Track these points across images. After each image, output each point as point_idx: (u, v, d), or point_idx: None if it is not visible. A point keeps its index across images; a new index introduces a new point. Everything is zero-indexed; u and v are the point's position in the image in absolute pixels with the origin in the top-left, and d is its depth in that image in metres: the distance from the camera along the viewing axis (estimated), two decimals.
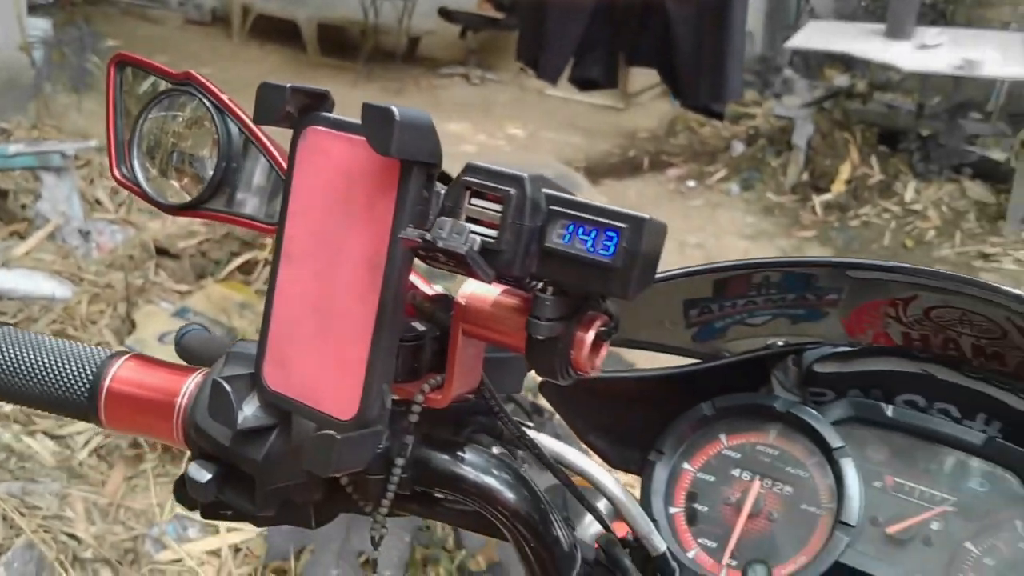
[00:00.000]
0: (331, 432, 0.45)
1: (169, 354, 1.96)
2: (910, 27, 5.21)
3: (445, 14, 6.75)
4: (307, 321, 0.48)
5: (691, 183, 5.16)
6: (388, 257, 0.45)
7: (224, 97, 0.60)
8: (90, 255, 3.13)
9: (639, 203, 4.87)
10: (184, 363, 0.62)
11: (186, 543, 2.05)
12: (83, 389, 0.57)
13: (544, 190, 0.44)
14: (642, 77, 6.01)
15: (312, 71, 6.59)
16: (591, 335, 0.46)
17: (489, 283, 0.45)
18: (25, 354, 0.58)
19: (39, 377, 0.57)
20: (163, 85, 0.63)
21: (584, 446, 0.73)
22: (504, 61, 7.07)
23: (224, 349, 0.67)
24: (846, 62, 6.35)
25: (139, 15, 7.32)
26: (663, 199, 4.97)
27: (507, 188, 0.43)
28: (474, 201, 0.44)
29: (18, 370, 0.57)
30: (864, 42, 5.09)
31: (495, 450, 0.56)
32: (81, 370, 0.57)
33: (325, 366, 0.48)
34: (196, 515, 1.91)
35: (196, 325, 0.73)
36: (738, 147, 5.44)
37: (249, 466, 0.51)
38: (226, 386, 0.49)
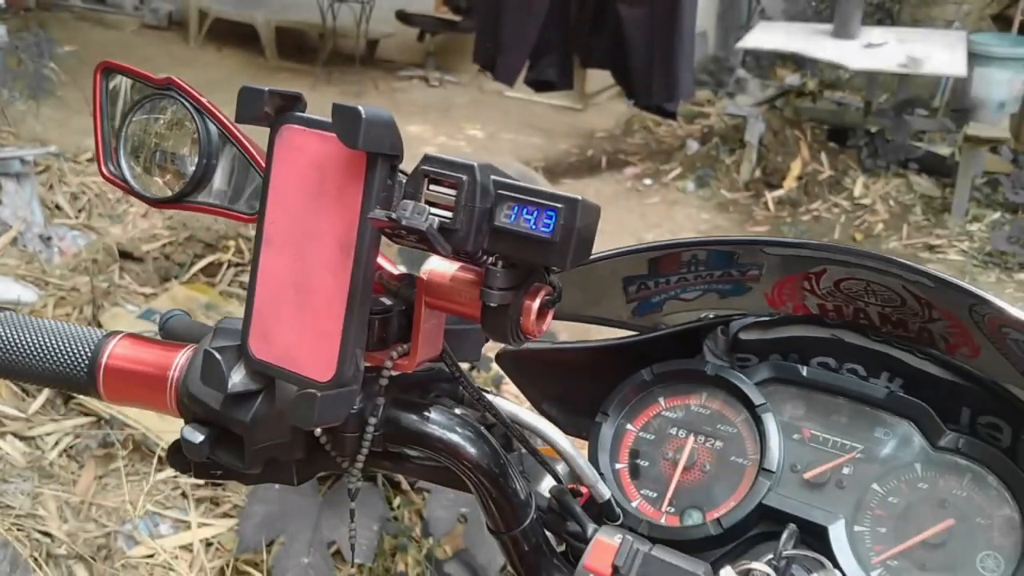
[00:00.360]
0: (313, 390, 0.52)
1: None
2: (856, 27, 5.37)
3: (403, 17, 6.80)
4: (287, 297, 0.55)
5: (648, 181, 5.26)
6: (358, 238, 0.52)
7: (204, 100, 0.66)
8: (52, 260, 3.14)
9: (598, 201, 4.93)
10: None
11: (158, 539, 2.09)
12: (83, 366, 0.62)
13: (492, 176, 0.51)
14: (599, 78, 6.11)
15: (270, 75, 6.61)
16: (537, 303, 0.53)
17: (447, 257, 0.51)
18: (28, 336, 0.64)
19: (42, 356, 0.63)
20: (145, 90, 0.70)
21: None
22: (462, 63, 7.13)
23: (204, 330, 0.73)
24: (797, 62, 6.51)
25: (95, 20, 7.29)
26: (621, 197, 5.07)
27: (460, 175, 0.50)
28: (432, 187, 0.51)
29: (22, 351, 0.63)
30: (813, 42, 5.23)
31: (457, 411, 0.63)
32: (80, 349, 0.63)
33: (304, 336, 0.54)
34: (168, 512, 1.95)
35: (178, 311, 0.79)
36: (693, 145, 5.56)
37: (238, 427, 0.57)
38: (217, 355, 0.55)
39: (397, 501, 2.10)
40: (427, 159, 0.51)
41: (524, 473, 0.65)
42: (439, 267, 0.57)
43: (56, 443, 2.24)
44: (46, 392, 2.36)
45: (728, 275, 0.70)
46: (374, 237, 0.52)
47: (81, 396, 0.68)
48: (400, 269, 0.64)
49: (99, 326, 2.59)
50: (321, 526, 1.96)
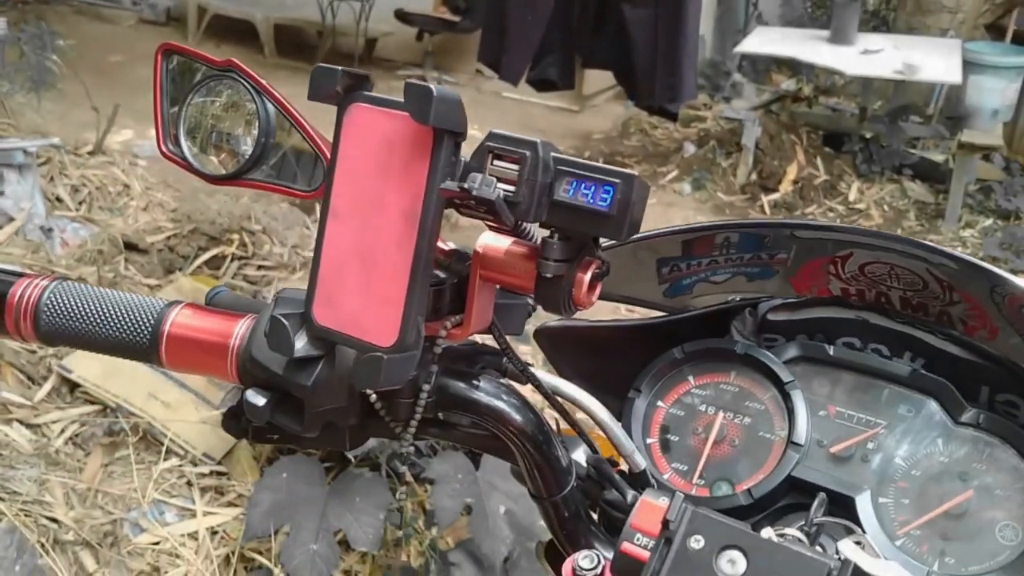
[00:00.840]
0: (379, 354, 0.54)
1: None
2: (853, 33, 5.42)
3: (402, 16, 6.82)
4: (351, 267, 0.58)
5: None
6: (423, 210, 0.55)
7: (263, 82, 0.69)
8: (54, 251, 3.16)
9: None
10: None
11: (164, 526, 2.11)
12: (145, 334, 0.65)
13: (552, 153, 0.54)
14: (597, 80, 6.15)
15: (269, 72, 6.62)
16: (589, 275, 0.56)
17: (511, 227, 0.54)
18: (91, 305, 0.66)
19: (106, 325, 0.66)
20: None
21: None
22: (461, 63, 7.16)
23: (253, 303, 0.76)
24: (792, 67, 6.56)
25: (93, 14, 7.29)
26: None
27: (523, 151, 0.53)
28: (496, 162, 0.54)
29: (87, 319, 0.66)
30: (810, 48, 5.29)
31: (503, 381, 0.66)
32: (143, 318, 0.66)
33: (368, 303, 0.57)
34: (173, 500, 1.97)
35: (223, 287, 0.82)
36: (690, 148, 5.60)
37: (299, 391, 0.60)
38: (284, 320, 0.58)
39: (401, 491, 2.13)
40: (492, 136, 0.54)
41: (563, 442, 0.68)
42: (493, 241, 0.60)
43: (62, 431, 2.26)
44: (52, 380, 2.38)
45: (757, 258, 0.74)
46: (438, 209, 0.55)
47: (144, 363, 0.70)
48: (450, 245, 0.67)
49: None
50: (328, 514, 1.98)
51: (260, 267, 3.06)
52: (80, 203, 3.70)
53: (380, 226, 0.57)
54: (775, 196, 5.06)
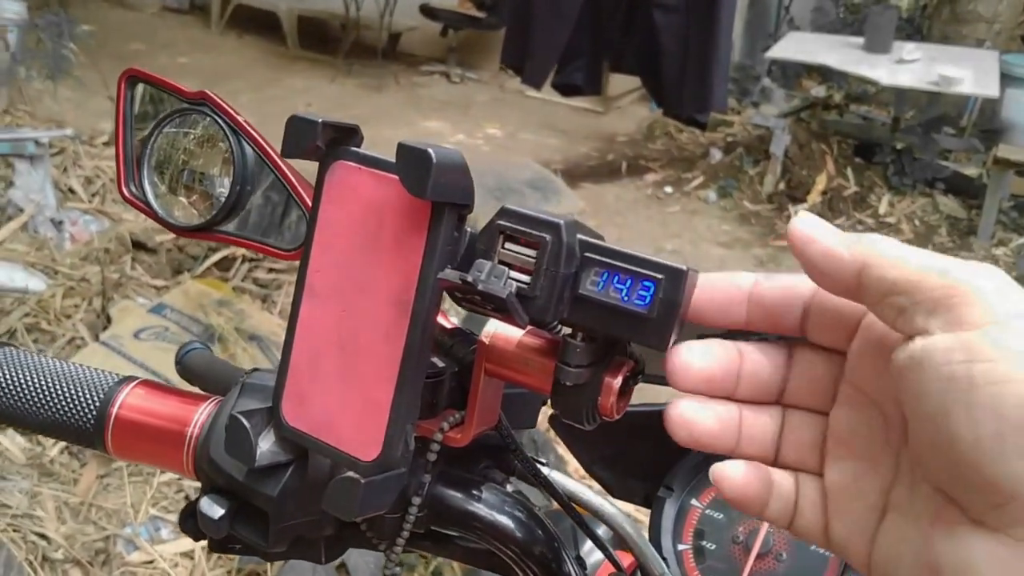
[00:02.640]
0: (355, 476, 0.44)
1: (145, 351, 1.94)
2: (888, 41, 5.27)
3: (427, 11, 6.73)
4: (329, 357, 0.47)
5: (668, 189, 5.18)
6: (417, 296, 0.45)
7: (240, 118, 0.59)
8: (63, 246, 3.08)
9: (617, 207, 4.89)
10: (192, 390, 0.61)
11: (159, 544, 2.02)
12: (90, 415, 0.55)
13: (579, 236, 0.43)
14: (622, 81, 6.03)
15: (291, 64, 6.55)
16: (619, 381, 0.46)
17: (524, 328, 0.44)
18: (30, 377, 0.57)
19: (44, 402, 0.56)
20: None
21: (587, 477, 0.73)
22: (484, 60, 7.06)
23: (227, 372, 0.66)
24: (823, 73, 6.41)
25: (115, 1, 7.23)
26: (640, 204, 4.99)
27: (543, 234, 0.42)
28: (508, 246, 0.43)
29: (22, 393, 0.56)
30: (843, 55, 5.14)
31: (509, 487, 0.56)
32: (88, 395, 0.56)
33: (347, 404, 0.47)
34: (170, 516, 1.87)
35: (198, 344, 0.72)
36: (716, 154, 5.48)
37: (263, 502, 0.50)
38: (244, 422, 0.48)
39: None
40: (504, 212, 0.43)
41: (581, 560, 0.58)
42: (503, 330, 0.49)
43: (57, 440, 2.18)
44: None
45: None
46: (435, 297, 0.45)
47: (89, 449, 0.61)
48: (453, 322, 0.57)
49: (108, 320, 2.53)
50: None
51: (271, 270, 2.97)
52: (93, 195, 3.62)
53: (365, 311, 0.46)
54: (803, 207, 4.93)
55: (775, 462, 0.43)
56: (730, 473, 0.42)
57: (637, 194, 5.14)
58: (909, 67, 5.00)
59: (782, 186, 5.06)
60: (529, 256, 0.43)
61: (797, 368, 0.43)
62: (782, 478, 0.42)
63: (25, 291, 2.52)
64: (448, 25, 6.88)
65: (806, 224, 0.39)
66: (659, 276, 0.41)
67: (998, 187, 4.77)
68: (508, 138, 5.84)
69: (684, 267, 0.41)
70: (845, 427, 0.40)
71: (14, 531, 1.89)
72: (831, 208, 4.94)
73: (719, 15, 3.71)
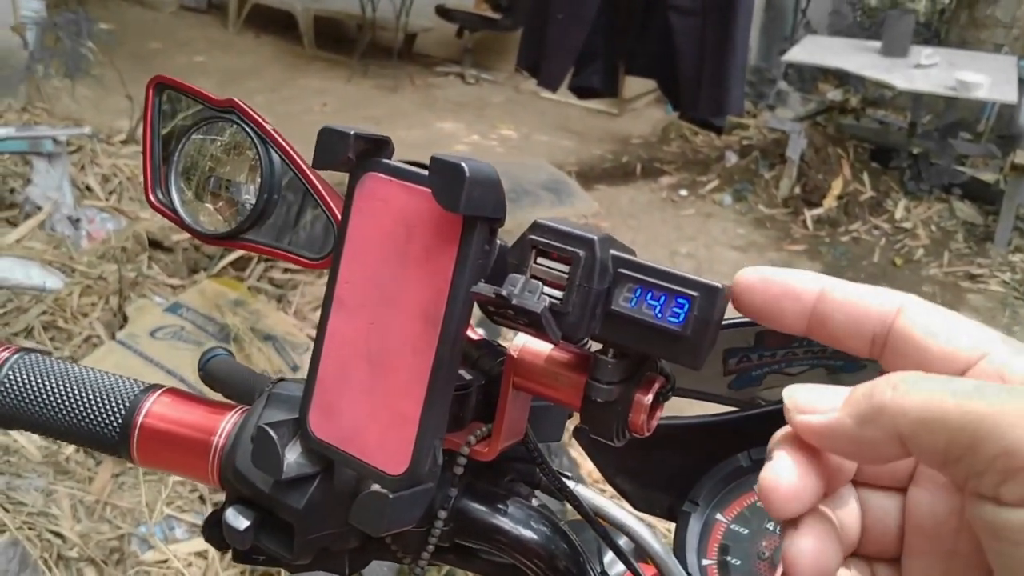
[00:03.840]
0: (384, 491, 0.44)
1: (161, 351, 1.94)
2: (906, 46, 5.24)
3: (443, 12, 6.73)
4: (357, 370, 0.47)
5: (683, 192, 5.17)
6: (447, 310, 0.44)
7: (268, 126, 0.59)
8: (80, 244, 3.09)
9: (632, 210, 4.88)
10: (217, 398, 0.61)
11: (173, 543, 2.03)
12: (115, 424, 0.55)
13: (612, 251, 0.43)
14: (637, 83, 6.01)
15: (307, 64, 6.56)
16: (650, 398, 0.45)
17: (556, 344, 0.44)
18: (55, 383, 0.57)
19: (69, 409, 0.56)
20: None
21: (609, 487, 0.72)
22: (500, 61, 7.06)
23: (249, 380, 0.66)
24: (839, 77, 6.39)
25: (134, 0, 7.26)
26: (655, 207, 4.97)
27: (576, 249, 0.42)
28: (540, 260, 0.43)
29: (47, 400, 0.56)
30: (860, 59, 5.12)
31: (534, 502, 0.55)
32: (114, 403, 0.56)
33: (375, 417, 0.47)
34: (184, 515, 1.87)
35: (220, 350, 0.72)
36: (731, 157, 5.46)
37: (289, 514, 0.50)
38: (272, 434, 0.47)
39: None
40: (537, 227, 0.43)
41: (604, 574, 0.57)
42: (532, 344, 0.49)
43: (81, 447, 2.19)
44: None
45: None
46: (465, 311, 0.45)
47: (114, 457, 0.60)
48: (479, 333, 0.57)
49: (124, 318, 2.54)
50: None
51: (286, 271, 2.98)
52: (110, 193, 3.64)
53: (394, 324, 0.46)
54: (818, 211, 4.91)
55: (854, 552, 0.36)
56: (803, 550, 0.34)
57: (652, 197, 5.13)
58: (926, 72, 4.97)
59: (798, 190, 5.04)
60: (562, 271, 0.42)
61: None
62: (859, 571, 0.35)
63: (42, 289, 2.53)
64: (464, 26, 6.88)
65: (807, 410, 0.33)
66: (694, 293, 0.41)
67: (1016, 193, 4.74)
68: (523, 140, 5.84)
69: (720, 284, 0.41)
70: (927, 515, 0.34)
71: (29, 529, 1.89)
72: (847, 213, 4.92)
73: (736, 18, 3.70)
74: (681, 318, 0.41)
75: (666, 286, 0.41)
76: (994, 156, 5.49)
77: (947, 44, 6.71)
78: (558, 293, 0.42)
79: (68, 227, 3.30)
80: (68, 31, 4.44)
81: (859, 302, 0.35)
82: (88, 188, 3.59)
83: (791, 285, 0.37)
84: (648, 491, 0.71)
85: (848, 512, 0.36)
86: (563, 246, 0.42)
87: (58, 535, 1.91)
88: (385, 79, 6.42)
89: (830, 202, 4.95)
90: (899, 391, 0.29)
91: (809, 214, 4.88)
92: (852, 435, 0.31)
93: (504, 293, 0.41)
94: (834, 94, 6.39)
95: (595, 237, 0.42)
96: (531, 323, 0.42)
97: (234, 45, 6.73)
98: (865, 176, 5.16)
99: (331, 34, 6.94)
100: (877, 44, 5.39)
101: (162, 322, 2.45)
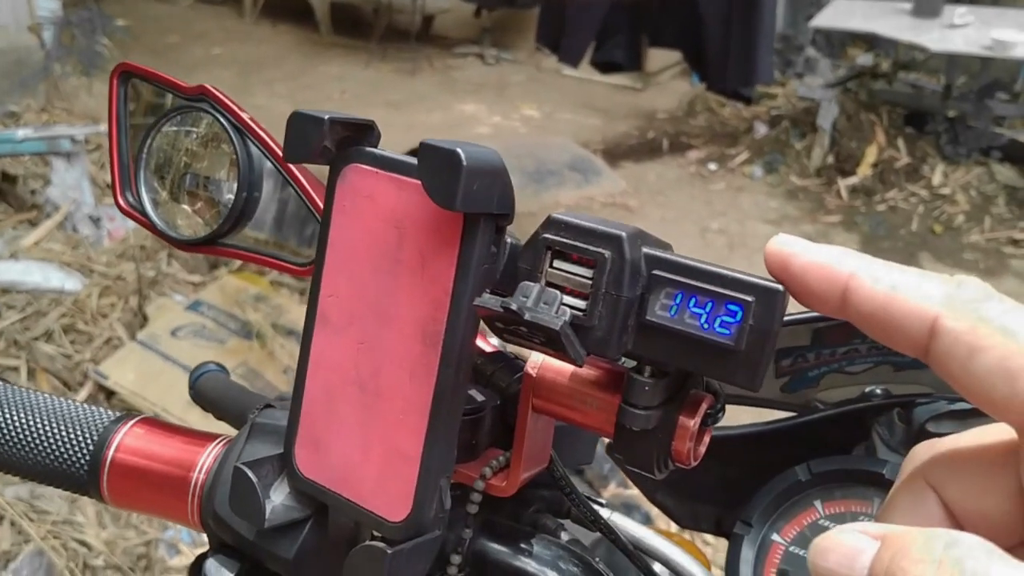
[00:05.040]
0: (381, 545, 0.37)
1: (183, 350, 1.88)
2: (937, 5, 5.07)
3: None
4: (347, 398, 0.40)
5: (712, 166, 5.05)
6: (448, 327, 0.37)
7: (244, 115, 0.51)
8: (101, 242, 3.05)
9: (659, 186, 4.77)
10: (204, 418, 0.55)
11: (200, 547, 1.98)
12: (83, 460, 0.49)
13: (645, 249, 0.35)
14: (661, 56, 5.88)
15: (325, 51, 6.49)
16: (696, 422, 0.38)
17: (580, 366, 0.36)
18: (16, 416, 0.50)
19: (32, 444, 0.49)
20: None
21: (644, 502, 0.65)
22: (519, 40, 6.95)
23: (242, 400, 0.59)
24: (868, 41, 6.20)
25: None
26: (684, 183, 4.86)
27: (600, 250, 0.34)
28: (558, 264, 0.35)
29: (6, 435, 0.49)
30: (891, 21, 4.95)
31: (563, 536, 0.48)
32: (81, 437, 0.49)
33: (369, 454, 0.39)
34: None
35: (213, 365, 0.65)
36: (760, 129, 5.32)
37: (278, 565, 0.43)
38: (251, 476, 0.40)
39: None
40: (552, 224, 0.35)
41: None
42: (553, 360, 0.41)
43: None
44: (88, 386, 2.27)
45: None
46: (471, 327, 0.37)
47: (84, 497, 0.54)
48: (493, 344, 0.49)
49: (144, 318, 2.49)
50: None
51: None
52: None
53: (387, 345, 0.39)
54: (853, 180, 4.77)
55: None
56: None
57: (680, 172, 5.01)
58: (960, 31, 4.80)
59: (830, 159, 4.91)
60: (584, 277, 0.35)
61: None
62: None
63: (61, 291, 2.50)
64: (481, 5, 6.77)
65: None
66: (748, 298, 0.33)
67: None
68: (546, 119, 5.74)
69: (780, 287, 0.33)
70: None
71: (54, 538, 1.86)
72: (882, 181, 4.77)
73: None
74: (733, 329, 0.33)
75: (713, 290, 0.34)
76: None
77: (980, 2, 6.50)
78: (581, 303, 0.35)
79: (89, 226, 3.26)
80: (83, 29, 4.40)
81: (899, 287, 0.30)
82: (108, 185, 3.55)
83: (827, 269, 0.31)
84: (692, 505, 0.63)
85: None
86: (584, 246, 0.35)
87: (83, 543, 1.87)
88: (404, 62, 6.33)
89: (864, 170, 4.81)
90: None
91: (843, 183, 4.75)
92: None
93: (515, 306, 0.33)
94: (864, 59, 6.21)
95: (623, 233, 0.34)
96: (549, 342, 0.34)
97: (251, 35, 6.67)
98: (900, 142, 5.00)
99: (348, 19, 6.86)
100: (908, 5, 5.21)
101: (183, 321, 2.40)
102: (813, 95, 5.09)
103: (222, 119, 0.51)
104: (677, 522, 0.64)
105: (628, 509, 1.97)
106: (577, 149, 5.01)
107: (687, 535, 0.86)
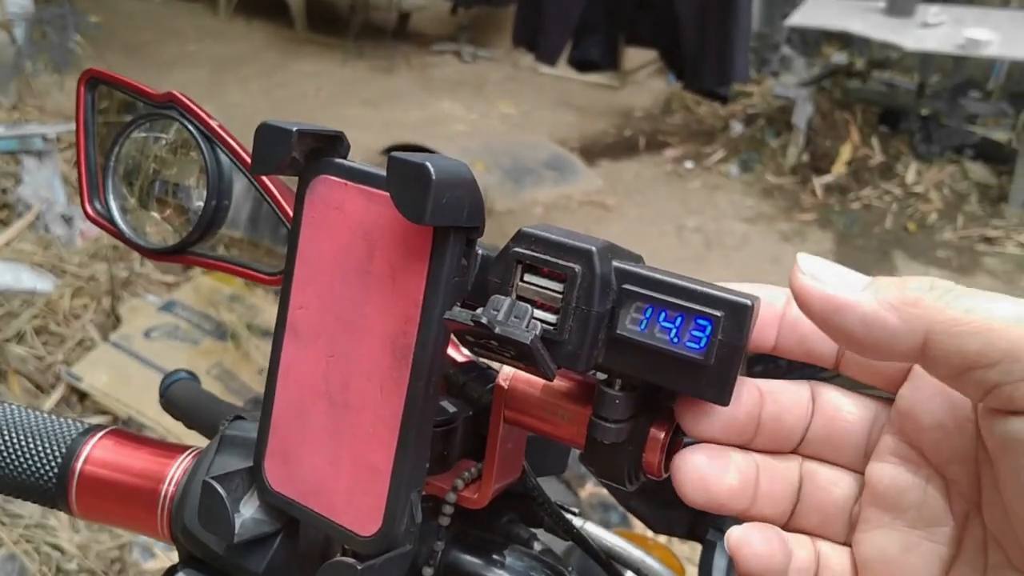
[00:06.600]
0: (350, 561, 0.37)
1: (157, 351, 1.85)
2: (911, 4, 5.11)
3: None
4: (316, 412, 0.40)
5: (688, 164, 5.07)
6: (418, 340, 0.37)
7: (212, 122, 0.51)
8: (73, 242, 3.02)
9: (636, 185, 4.78)
10: (173, 428, 0.54)
11: (174, 551, 1.97)
12: (51, 472, 0.48)
13: (615, 263, 0.35)
14: (638, 55, 5.90)
15: (300, 48, 6.45)
16: (667, 434, 0.38)
17: (551, 380, 0.36)
18: None
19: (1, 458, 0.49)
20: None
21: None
22: (496, 38, 6.94)
23: (212, 409, 0.58)
24: (843, 39, 6.25)
25: None
26: (660, 181, 4.88)
27: (571, 264, 0.34)
28: (528, 277, 0.35)
29: None
30: (865, 20, 4.99)
31: (536, 546, 0.48)
32: (49, 449, 0.48)
33: (339, 468, 0.39)
34: None
35: (183, 373, 0.65)
36: (736, 127, 5.35)
37: None
38: (220, 490, 0.40)
39: None
40: (522, 237, 0.35)
41: None
42: (523, 372, 0.41)
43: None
44: (61, 388, 2.25)
45: None
46: (440, 340, 0.37)
47: (53, 509, 0.53)
48: (465, 355, 0.49)
49: (118, 319, 2.47)
50: None
51: None
52: None
53: (357, 358, 0.39)
54: (828, 178, 4.80)
55: (787, 525, 0.35)
56: (753, 541, 0.33)
57: (656, 170, 5.03)
58: (934, 31, 4.85)
59: (806, 157, 4.94)
60: (554, 291, 0.35)
61: (823, 412, 0.35)
62: (800, 546, 0.35)
63: (33, 292, 2.47)
64: (458, 3, 6.76)
65: (821, 279, 0.30)
66: (717, 313, 0.33)
67: None
68: (523, 117, 5.73)
69: (749, 301, 0.33)
70: (891, 488, 0.33)
71: (27, 542, 1.83)
72: (857, 179, 4.81)
73: None
74: (702, 343, 0.33)
75: (683, 304, 0.34)
76: (1006, 115, 5.36)
77: (953, 1, 6.56)
78: (551, 317, 0.35)
79: (61, 226, 3.22)
80: (55, 26, 4.35)
81: None
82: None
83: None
84: (667, 511, 0.63)
85: (786, 475, 0.35)
86: (555, 260, 0.35)
87: (57, 547, 1.85)
88: (380, 60, 6.31)
89: (839, 168, 4.85)
90: (935, 293, 0.28)
91: (818, 182, 4.78)
92: (869, 318, 0.29)
93: (485, 320, 0.33)
94: (839, 57, 6.26)
95: (593, 248, 0.34)
96: (519, 356, 0.34)
97: (226, 32, 6.62)
98: (874, 140, 5.04)
99: (323, 16, 6.83)
100: (882, 4, 5.25)
101: (156, 321, 2.38)
102: (788, 93, 5.12)
103: (191, 127, 0.51)
104: (651, 528, 0.64)
105: (605, 508, 1.97)
106: (554, 148, 5.01)
107: (663, 540, 0.87)
